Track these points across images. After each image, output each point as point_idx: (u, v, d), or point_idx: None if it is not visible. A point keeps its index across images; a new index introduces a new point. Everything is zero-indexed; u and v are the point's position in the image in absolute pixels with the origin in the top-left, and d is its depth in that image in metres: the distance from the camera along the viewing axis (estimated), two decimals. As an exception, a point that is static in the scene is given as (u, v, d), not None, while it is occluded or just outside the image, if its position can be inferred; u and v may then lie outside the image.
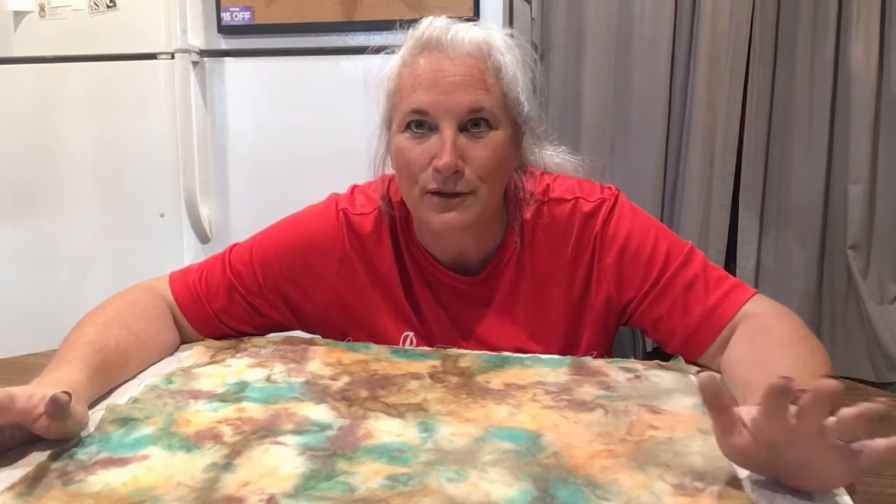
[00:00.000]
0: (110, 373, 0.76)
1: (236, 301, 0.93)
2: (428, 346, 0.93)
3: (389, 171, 0.92)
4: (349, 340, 0.93)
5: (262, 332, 0.97)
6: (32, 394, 0.62)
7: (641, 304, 0.89)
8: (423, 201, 0.85)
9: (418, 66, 0.84)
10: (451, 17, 0.86)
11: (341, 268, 0.94)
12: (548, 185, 0.93)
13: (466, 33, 0.84)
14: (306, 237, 0.94)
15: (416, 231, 0.94)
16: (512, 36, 0.88)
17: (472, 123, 0.83)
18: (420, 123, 0.84)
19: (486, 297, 0.94)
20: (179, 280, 0.94)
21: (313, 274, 0.94)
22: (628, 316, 0.92)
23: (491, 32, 0.86)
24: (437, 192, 0.84)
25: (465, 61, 0.83)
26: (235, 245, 0.97)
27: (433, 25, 0.85)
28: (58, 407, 0.60)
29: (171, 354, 0.89)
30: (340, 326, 0.96)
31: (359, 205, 0.95)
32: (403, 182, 0.87)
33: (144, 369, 0.83)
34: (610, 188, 0.93)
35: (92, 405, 0.70)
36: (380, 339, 0.94)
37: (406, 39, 0.87)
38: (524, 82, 0.87)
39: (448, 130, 0.82)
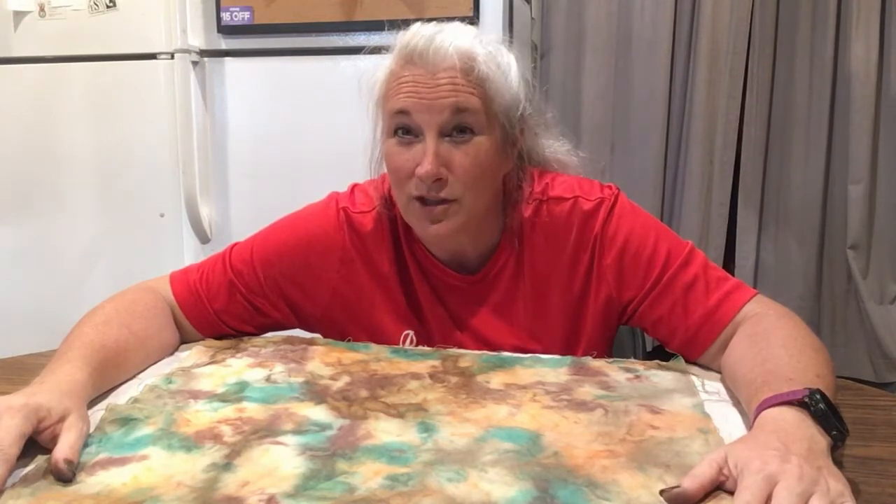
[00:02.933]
0: (110, 371, 0.76)
1: (237, 300, 0.93)
2: (428, 344, 0.93)
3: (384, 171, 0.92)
4: (349, 340, 0.93)
5: (263, 331, 0.97)
6: (46, 415, 0.62)
7: (642, 304, 0.89)
8: (410, 207, 0.86)
9: (402, 77, 0.84)
10: (439, 22, 0.86)
11: (342, 266, 0.94)
12: (547, 183, 0.93)
13: (451, 44, 0.83)
14: (307, 236, 0.94)
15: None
16: (499, 41, 0.88)
17: (457, 130, 0.84)
18: (406, 130, 0.84)
19: (485, 296, 0.94)
20: (180, 280, 0.94)
21: (314, 273, 0.94)
22: (629, 316, 0.91)
23: (475, 42, 0.85)
24: (421, 199, 0.84)
25: (446, 74, 0.83)
26: (236, 244, 0.97)
27: (418, 35, 0.84)
28: (62, 473, 0.59)
29: (171, 354, 0.89)
30: (341, 325, 0.96)
31: (359, 203, 0.95)
32: (394, 187, 0.89)
33: (144, 369, 0.83)
34: (610, 187, 0.93)
35: (92, 405, 0.70)
36: (380, 337, 0.94)
37: (394, 45, 0.87)
38: (515, 86, 0.87)
39: (430, 137, 0.83)
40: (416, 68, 0.84)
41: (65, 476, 0.57)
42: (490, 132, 0.85)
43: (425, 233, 0.87)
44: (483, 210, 0.89)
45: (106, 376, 0.75)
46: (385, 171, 0.93)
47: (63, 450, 0.59)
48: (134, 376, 0.81)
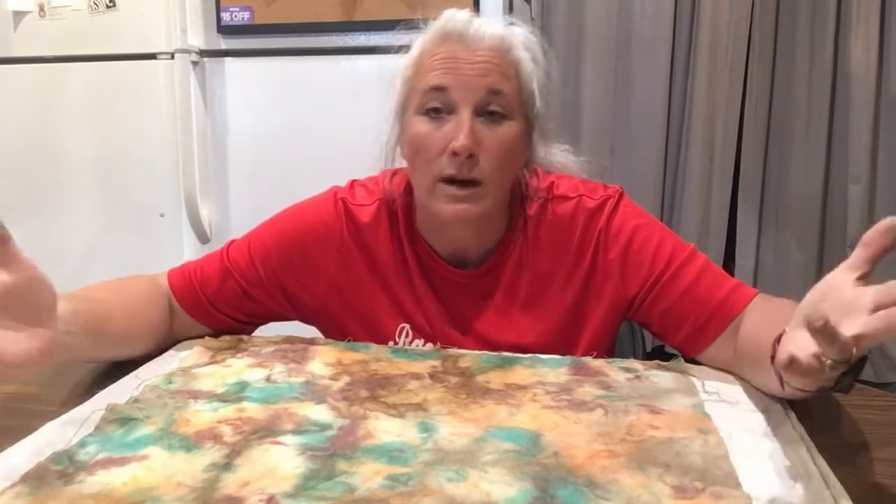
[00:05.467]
0: (94, 322, 0.74)
1: (230, 287, 0.93)
2: (424, 338, 0.93)
3: (399, 161, 0.92)
4: (350, 340, 0.93)
5: (258, 320, 0.97)
6: None
7: (648, 295, 0.89)
8: (436, 189, 0.85)
9: (438, 53, 0.85)
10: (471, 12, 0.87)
11: (339, 257, 0.94)
12: (552, 182, 0.94)
13: (488, 28, 0.85)
14: (304, 226, 0.94)
15: (417, 223, 0.94)
16: (532, 33, 0.89)
17: (489, 110, 0.84)
18: (437, 109, 0.84)
19: (484, 292, 0.94)
20: (176, 271, 0.95)
21: (312, 263, 0.94)
22: (635, 309, 0.91)
23: (512, 28, 0.87)
24: (451, 180, 0.84)
25: (485, 53, 0.84)
26: (234, 241, 0.97)
27: (455, 18, 0.85)
28: None
29: (159, 338, 0.88)
30: (338, 316, 0.96)
31: (358, 196, 0.95)
32: (417, 168, 0.87)
33: (129, 345, 0.83)
34: (614, 187, 0.94)
35: (92, 405, 0.70)
36: (377, 329, 0.94)
37: (426, 30, 0.87)
38: (539, 80, 0.88)
39: (465, 112, 0.83)
40: (455, 44, 0.84)
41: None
42: (518, 118, 0.86)
43: (451, 211, 0.85)
44: (500, 200, 0.89)
45: (90, 324, 0.73)
46: (396, 162, 0.92)
47: None
48: (127, 372, 0.80)
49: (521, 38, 0.87)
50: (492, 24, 0.86)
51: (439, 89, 0.83)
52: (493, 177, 0.84)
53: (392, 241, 0.94)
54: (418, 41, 0.88)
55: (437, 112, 0.84)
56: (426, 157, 0.85)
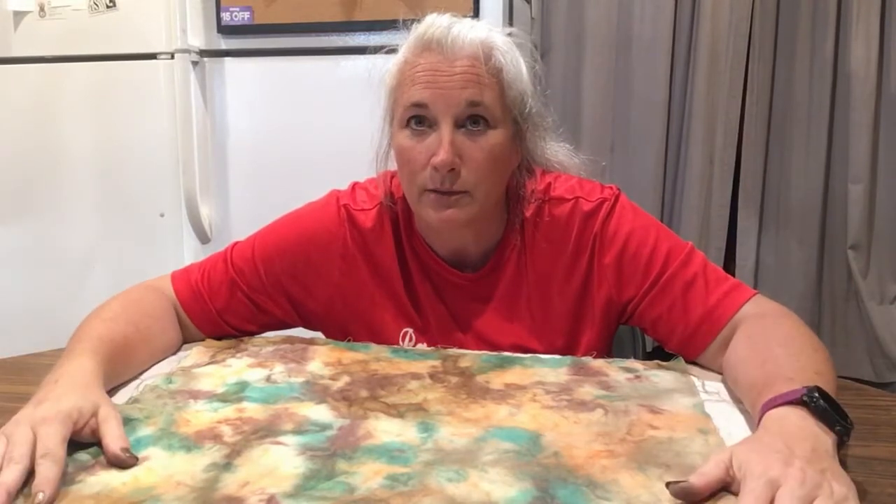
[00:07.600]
0: (116, 366, 0.76)
1: (238, 298, 0.93)
2: (428, 341, 0.93)
3: (392, 165, 0.92)
4: (349, 339, 0.93)
5: (264, 329, 0.97)
6: (79, 415, 0.62)
7: (641, 302, 0.89)
8: (422, 199, 0.86)
9: (419, 64, 0.85)
10: (453, 15, 0.87)
11: (343, 263, 0.94)
12: (549, 183, 0.93)
13: (468, 34, 0.84)
14: (308, 233, 0.94)
15: (417, 226, 0.94)
16: (511, 35, 0.89)
17: (471, 121, 0.84)
18: (420, 120, 0.84)
19: (486, 294, 0.94)
20: (182, 279, 0.94)
21: (315, 269, 0.94)
22: (628, 315, 0.92)
23: (492, 33, 0.86)
24: (434, 191, 0.84)
25: (464, 62, 0.83)
26: (237, 243, 0.97)
27: (435, 25, 0.85)
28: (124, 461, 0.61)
29: (174, 354, 0.89)
30: (341, 322, 0.96)
31: (360, 200, 0.95)
32: (404, 179, 0.88)
33: (148, 368, 0.83)
34: (611, 188, 0.93)
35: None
36: (380, 334, 0.94)
37: (408, 37, 0.87)
38: (526, 81, 0.87)
39: (446, 127, 0.83)
40: (434, 55, 0.84)
41: (129, 462, 0.59)
42: (503, 125, 0.86)
43: (438, 218, 0.85)
44: (491, 205, 0.89)
45: (112, 369, 0.75)
46: (389, 165, 0.93)
47: (114, 441, 0.61)
48: (137, 375, 0.81)
49: (501, 41, 0.86)
50: (473, 29, 0.85)
51: (420, 105, 0.84)
52: (479, 186, 0.85)
53: (394, 246, 0.94)
54: (402, 47, 0.88)
55: (420, 125, 0.84)
56: (410, 170, 0.85)
